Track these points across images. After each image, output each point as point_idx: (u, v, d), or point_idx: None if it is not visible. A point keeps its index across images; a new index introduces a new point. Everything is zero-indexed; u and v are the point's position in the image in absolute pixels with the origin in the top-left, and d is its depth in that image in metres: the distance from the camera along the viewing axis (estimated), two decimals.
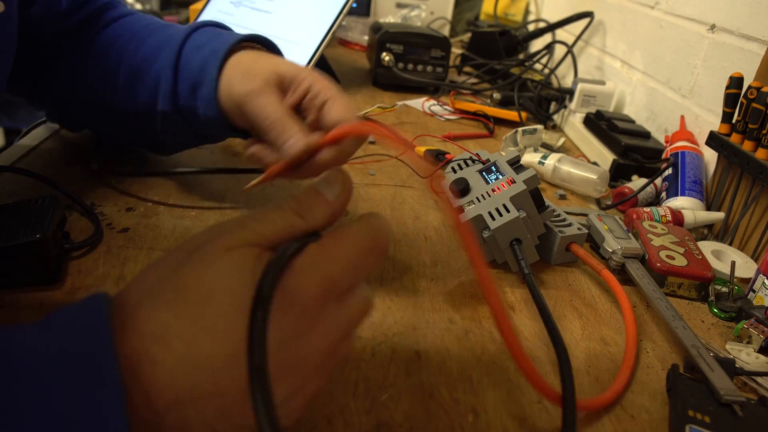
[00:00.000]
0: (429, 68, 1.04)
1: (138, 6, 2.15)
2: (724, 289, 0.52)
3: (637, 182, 0.73)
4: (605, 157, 0.79)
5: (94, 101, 0.53)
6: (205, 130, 0.49)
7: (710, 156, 0.71)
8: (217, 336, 0.22)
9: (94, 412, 0.20)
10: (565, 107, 0.98)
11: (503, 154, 0.53)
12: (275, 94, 0.41)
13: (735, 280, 0.53)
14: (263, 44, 0.50)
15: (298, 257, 0.25)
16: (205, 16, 1.04)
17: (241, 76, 0.42)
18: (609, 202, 0.70)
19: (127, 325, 0.22)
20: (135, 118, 0.52)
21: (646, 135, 0.82)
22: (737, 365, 0.40)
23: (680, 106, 0.81)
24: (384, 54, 1.01)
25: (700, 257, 0.53)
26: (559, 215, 0.56)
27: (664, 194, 0.70)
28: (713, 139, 0.66)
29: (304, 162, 0.39)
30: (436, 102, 0.97)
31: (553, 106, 1.00)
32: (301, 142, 0.38)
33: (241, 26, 0.98)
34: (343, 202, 0.28)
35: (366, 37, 1.31)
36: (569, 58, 1.10)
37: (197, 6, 1.16)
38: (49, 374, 0.20)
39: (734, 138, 0.63)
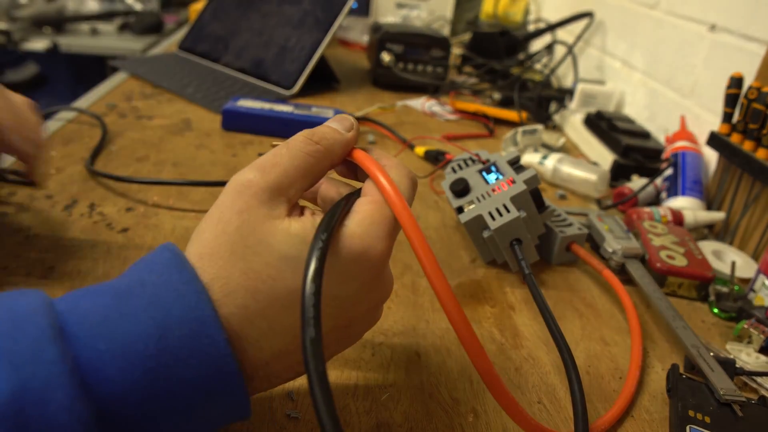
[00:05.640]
0: (429, 68, 1.04)
1: (138, 6, 2.15)
2: (725, 289, 0.52)
3: (637, 182, 0.72)
4: (605, 157, 0.79)
5: None
6: None
7: (710, 156, 0.71)
8: (289, 307, 0.25)
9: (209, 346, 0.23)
10: (565, 107, 0.98)
11: (503, 154, 0.53)
12: None
13: (735, 280, 0.53)
14: None
15: (356, 219, 0.27)
16: (206, 16, 1.04)
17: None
18: (609, 202, 0.70)
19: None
20: None
21: (646, 135, 0.82)
22: (737, 365, 0.40)
23: (680, 106, 0.81)
24: (384, 54, 1.01)
25: (701, 257, 0.53)
26: (559, 215, 0.56)
27: (664, 194, 0.70)
28: (713, 139, 0.66)
29: None
30: (436, 102, 0.97)
31: (553, 106, 1.00)
32: None
33: (243, 28, 0.98)
34: (354, 136, 0.30)
35: (366, 37, 1.31)
36: (569, 58, 1.10)
37: (197, 6, 1.16)
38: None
39: (734, 138, 0.63)
